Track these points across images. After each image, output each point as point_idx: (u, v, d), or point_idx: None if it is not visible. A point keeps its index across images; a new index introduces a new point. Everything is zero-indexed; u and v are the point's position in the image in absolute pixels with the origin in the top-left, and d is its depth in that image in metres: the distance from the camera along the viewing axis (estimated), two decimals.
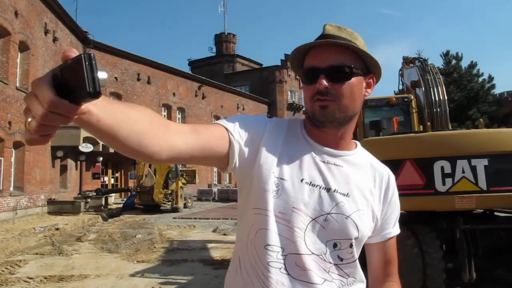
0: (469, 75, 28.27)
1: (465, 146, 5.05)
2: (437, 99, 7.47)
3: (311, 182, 1.13)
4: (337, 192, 1.14)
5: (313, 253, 1.10)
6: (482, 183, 4.91)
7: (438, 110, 7.39)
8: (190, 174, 26.63)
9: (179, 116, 36.58)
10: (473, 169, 4.93)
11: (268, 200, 1.10)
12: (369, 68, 1.19)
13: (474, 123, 24.05)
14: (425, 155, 5.14)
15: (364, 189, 1.20)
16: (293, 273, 1.08)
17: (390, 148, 5.38)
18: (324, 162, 1.17)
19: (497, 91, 33.10)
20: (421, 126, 7.96)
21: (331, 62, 1.12)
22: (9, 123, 15.94)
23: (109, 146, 0.83)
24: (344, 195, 1.15)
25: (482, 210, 6.00)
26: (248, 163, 1.13)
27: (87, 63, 0.63)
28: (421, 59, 8.74)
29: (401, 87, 10.63)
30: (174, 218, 18.10)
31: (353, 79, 1.13)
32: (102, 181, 27.84)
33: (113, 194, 24.98)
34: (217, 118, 42.01)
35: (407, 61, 9.63)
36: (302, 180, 1.13)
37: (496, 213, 6.13)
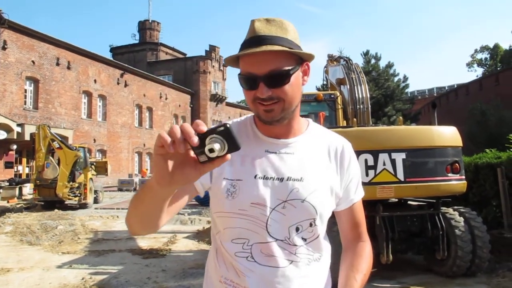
0: (387, 75, 30.01)
1: (387, 141, 5.54)
2: (360, 96, 7.98)
3: (264, 176, 1.24)
4: (290, 179, 1.24)
5: (277, 239, 1.21)
6: (400, 175, 5.43)
7: (361, 107, 7.90)
8: (101, 165, 23.23)
9: (100, 104, 35.25)
10: (393, 162, 5.43)
11: (224, 204, 1.23)
12: (303, 57, 1.25)
13: (390, 119, 25.67)
14: None
15: (319, 167, 1.30)
16: (259, 259, 1.21)
17: None
18: (276, 153, 1.28)
19: (410, 90, 35.61)
20: (344, 122, 8.46)
21: (269, 68, 1.17)
22: None
23: (136, 213, 1.15)
24: (298, 180, 1.24)
25: (397, 200, 6.58)
26: (208, 179, 1.27)
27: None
28: (346, 58, 9.23)
29: (324, 83, 11.08)
30: (96, 208, 17.62)
31: (292, 78, 1.20)
32: (15, 170, 26.24)
33: (28, 184, 23.62)
34: (139, 107, 41.01)
35: (332, 59, 10.13)
36: (256, 176, 1.23)
37: (409, 202, 6.74)
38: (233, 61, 1.26)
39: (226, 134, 0.87)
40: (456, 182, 5.63)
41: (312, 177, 1.27)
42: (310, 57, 1.27)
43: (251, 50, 1.17)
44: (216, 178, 1.27)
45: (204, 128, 0.87)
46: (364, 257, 1.37)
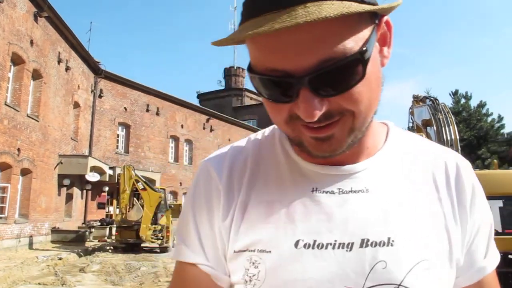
0: (478, 115, 28.36)
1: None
2: (449, 138, 7.43)
3: (315, 242, 0.66)
4: (368, 244, 0.65)
5: None
6: (497, 226, 4.81)
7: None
8: (175, 208, 21.64)
9: (186, 148, 36.65)
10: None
11: None
12: (380, 12, 0.61)
13: (484, 162, 23.92)
14: None
15: (422, 213, 0.68)
16: None
17: None
18: (333, 193, 0.69)
19: (506, 130, 33.19)
20: None
21: (318, 58, 0.55)
22: (18, 149, 15.98)
23: None
24: (384, 244, 0.65)
25: None
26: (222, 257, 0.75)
27: None
28: (432, 98, 8.74)
29: (411, 125, 10.60)
30: None
31: (369, 66, 0.59)
32: (107, 211, 27.67)
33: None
34: None
35: (417, 100, 9.64)
36: (297, 244, 0.66)
37: None
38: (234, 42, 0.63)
39: None
40: None
41: (411, 235, 0.66)
42: (390, 9, 0.62)
43: (272, 23, 0.53)
44: (225, 252, 0.73)
45: None
46: None
